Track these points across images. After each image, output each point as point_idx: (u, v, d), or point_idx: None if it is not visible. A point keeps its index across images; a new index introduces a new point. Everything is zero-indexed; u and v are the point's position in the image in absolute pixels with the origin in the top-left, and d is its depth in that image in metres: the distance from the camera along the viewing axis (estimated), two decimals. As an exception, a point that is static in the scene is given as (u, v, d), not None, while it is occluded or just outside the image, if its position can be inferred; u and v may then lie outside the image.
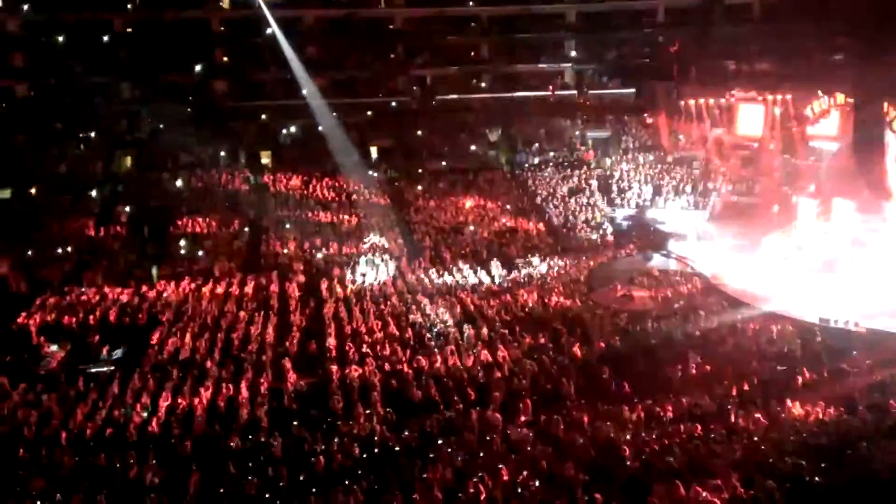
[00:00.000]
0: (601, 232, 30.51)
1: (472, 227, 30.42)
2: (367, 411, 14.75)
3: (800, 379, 15.12)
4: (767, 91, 30.59)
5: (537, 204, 33.58)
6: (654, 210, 32.63)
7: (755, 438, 12.40)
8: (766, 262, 24.81)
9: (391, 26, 43.92)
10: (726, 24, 42.74)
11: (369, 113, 42.04)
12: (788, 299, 20.93)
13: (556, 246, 28.92)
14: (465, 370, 16.81)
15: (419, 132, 40.51)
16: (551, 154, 39.03)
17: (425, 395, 15.49)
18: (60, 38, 38.82)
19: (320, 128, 38.22)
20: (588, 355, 17.38)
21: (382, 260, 26.60)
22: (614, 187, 34.56)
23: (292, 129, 41.20)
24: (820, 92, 27.88)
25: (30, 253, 27.44)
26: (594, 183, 35.16)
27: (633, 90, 41.81)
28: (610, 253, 27.99)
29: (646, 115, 40.31)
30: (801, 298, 20.81)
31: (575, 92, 43.30)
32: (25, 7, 39.10)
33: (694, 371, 16.15)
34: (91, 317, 21.45)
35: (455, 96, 42.82)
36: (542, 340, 18.39)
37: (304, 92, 40.42)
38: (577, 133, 40.65)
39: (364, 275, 25.13)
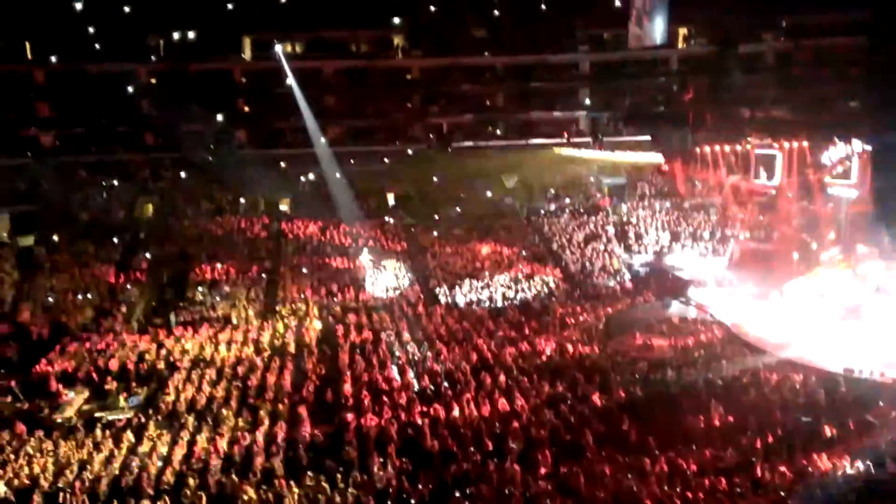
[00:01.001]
0: (619, 279, 30.39)
1: (487, 273, 30.43)
2: (382, 460, 14.60)
3: (825, 431, 14.80)
4: (783, 138, 30.67)
5: (553, 250, 33.60)
6: (671, 257, 32.51)
7: (781, 493, 12.12)
8: (788, 310, 24.53)
9: (408, 76, 44.82)
10: (740, 71, 43.21)
11: (386, 160, 42.63)
12: (811, 348, 20.62)
13: (574, 293, 28.80)
14: (483, 420, 16.64)
15: (435, 179, 40.93)
16: (567, 200, 39.23)
17: (442, 445, 15.32)
18: (86, 89, 39.93)
19: (338, 175, 38.77)
20: (608, 405, 17.16)
21: (401, 307, 26.64)
22: (631, 234, 34.55)
23: (311, 176, 41.82)
24: (836, 139, 27.93)
25: (51, 299, 27.77)
26: (610, 229, 35.18)
27: (648, 137, 42.08)
28: (628, 300, 27.80)
29: (661, 161, 40.45)
30: (823, 347, 20.49)
31: (590, 139, 43.67)
32: (53, 59, 40.38)
33: (717, 422, 15.88)
34: (109, 364, 21.55)
35: (471, 143, 43.36)
36: (561, 389, 18.21)
37: (323, 140, 41.22)
38: (593, 179, 40.87)
39: (380, 320, 25.13)
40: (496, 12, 45.39)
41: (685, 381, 18.44)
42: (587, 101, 46.43)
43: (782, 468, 13.05)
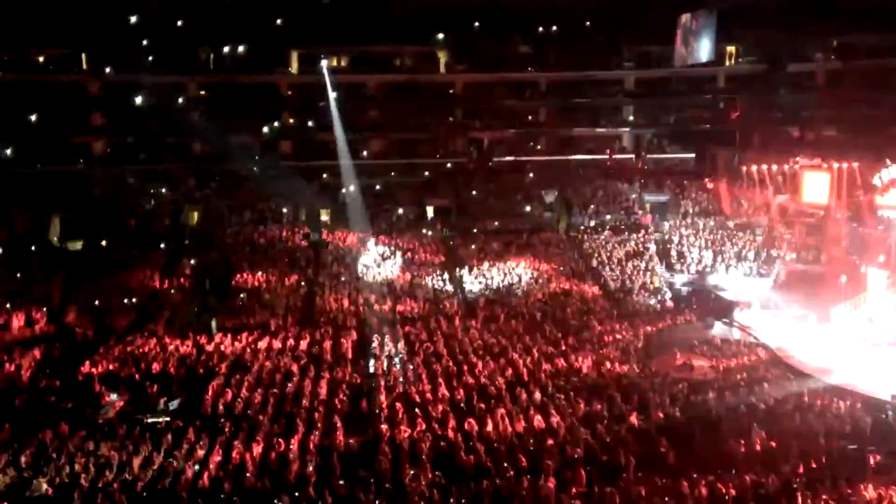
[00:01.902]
0: (659, 297, 29.93)
1: (525, 289, 30.28)
2: (414, 472, 14.56)
3: (871, 459, 14.31)
4: (833, 159, 30.00)
5: (593, 267, 33.29)
6: (715, 276, 31.93)
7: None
8: (834, 334, 23.86)
9: (451, 91, 45.13)
10: (789, 91, 42.46)
11: (426, 173, 42.91)
12: (858, 374, 20.02)
13: (613, 310, 28.48)
14: (517, 436, 16.51)
15: (475, 192, 41.03)
16: (608, 217, 38.90)
17: (475, 459, 15.22)
18: (139, 99, 41.16)
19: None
20: (646, 425, 16.86)
21: (437, 320, 26.63)
22: (673, 252, 34.04)
23: (351, 187, 42.35)
24: (888, 160, 27.25)
25: (97, 302, 28.48)
26: (652, 247, 34.73)
27: (692, 155, 41.60)
28: (669, 319, 27.36)
29: (706, 179, 39.92)
30: (871, 373, 19.87)
31: (633, 156, 43.34)
32: (107, 70, 41.71)
33: (758, 447, 15.48)
34: (151, 367, 21.98)
35: (511, 158, 43.39)
36: (598, 408, 17.96)
37: (365, 153, 41.78)
38: (635, 196, 40.49)
39: (416, 332, 25.17)
40: (541, 28, 45.53)
41: (726, 403, 18.03)
42: (631, 118, 46.09)
43: (825, 497, 12.64)
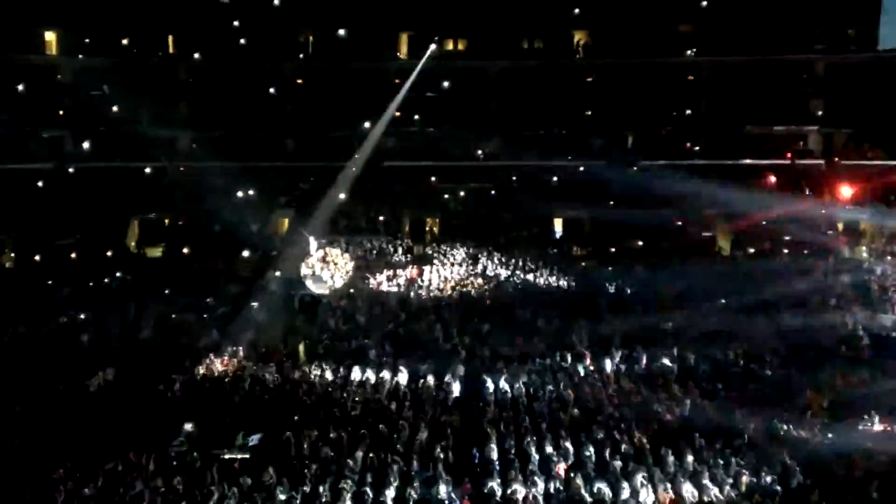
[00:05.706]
0: (854, 344, 28.31)
1: (676, 324, 29.48)
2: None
3: None
4: None
5: (765, 301, 31.92)
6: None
7: None
8: None
9: (589, 78, 44.83)
10: None
11: (555, 178, 42.73)
12: None
13: (790, 357, 27.19)
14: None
15: (613, 203, 40.39)
16: (786, 238, 37.36)
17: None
18: (227, 88, 43.39)
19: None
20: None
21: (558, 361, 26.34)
22: (874, 286, 32.22)
23: (462, 192, 42.74)
24: None
25: (174, 316, 30.14)
26: (845, 278, 32.99)
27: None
28: (865, 373, 25.83)
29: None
30: None
31: (822, 161, 41.60)
32: (196, 54, 44.22)
33: None
34: (231, 396, 22.96)
35: (662, 161, 42.52)
36: (768, 480, 17.27)
37: (480, 152, 42.10)
38: (823, 212, 38.71)
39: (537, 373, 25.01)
40: (704, 3, 44.49)
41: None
42: (820, 114, 44.23)
43: None
